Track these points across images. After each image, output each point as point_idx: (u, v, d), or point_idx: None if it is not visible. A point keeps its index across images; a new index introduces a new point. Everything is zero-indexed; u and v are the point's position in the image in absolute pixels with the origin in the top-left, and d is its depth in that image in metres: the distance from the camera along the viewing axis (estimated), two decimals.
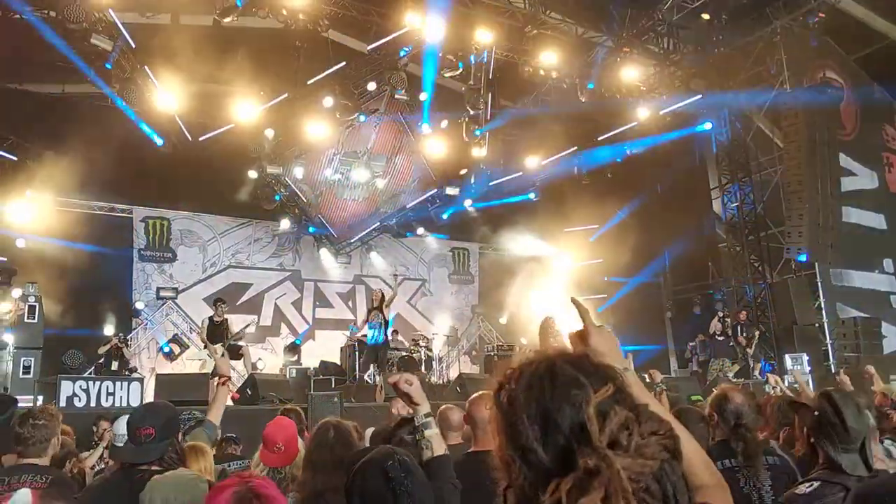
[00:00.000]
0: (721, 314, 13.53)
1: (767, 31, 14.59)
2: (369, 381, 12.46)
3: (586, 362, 1.04)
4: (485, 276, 18.68)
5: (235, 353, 11.59)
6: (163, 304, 15.06)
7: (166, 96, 12.53)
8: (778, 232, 15.39)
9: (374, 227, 17.26)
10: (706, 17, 14.23)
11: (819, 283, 14.45)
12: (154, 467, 2.78)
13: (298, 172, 15.24)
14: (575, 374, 1.00)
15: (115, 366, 11.78)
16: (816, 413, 2.50)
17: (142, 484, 2.55)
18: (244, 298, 16.00)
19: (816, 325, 14.33)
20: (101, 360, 11.83)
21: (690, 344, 14.92)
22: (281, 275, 16.93)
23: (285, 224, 15.93)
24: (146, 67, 12.35)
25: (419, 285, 18.53)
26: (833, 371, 12.17)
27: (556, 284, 16.99)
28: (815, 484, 2.34)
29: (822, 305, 14.41)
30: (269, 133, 13.82)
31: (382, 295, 12.06)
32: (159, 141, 13.26)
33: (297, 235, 16.63)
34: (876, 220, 15.55)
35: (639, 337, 15.95)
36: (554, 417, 0.96)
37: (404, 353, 13.52)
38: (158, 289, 15.17)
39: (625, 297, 16.98)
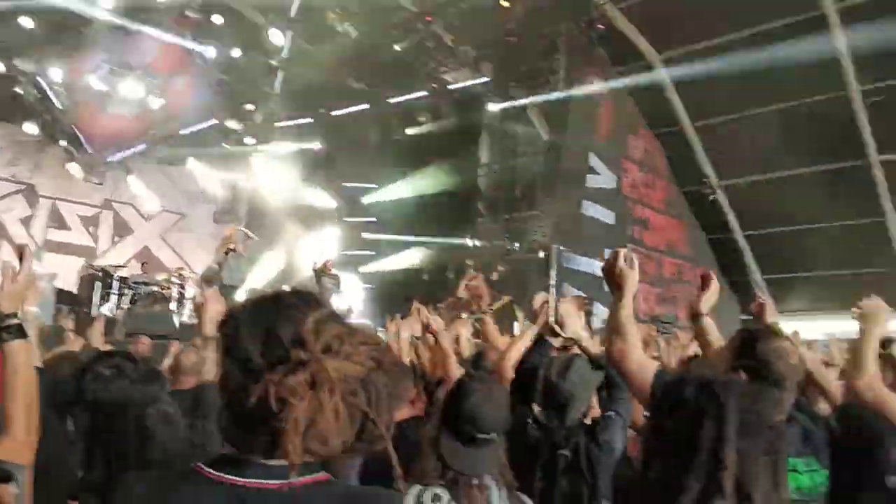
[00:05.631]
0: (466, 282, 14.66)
1: (555, 31, 15.79)
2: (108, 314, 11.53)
3: (307, 294, 1.22)
4: (256, 219, 17.50)
5: None
6: None
7: None
8: (529, 215, 17.19)
9: (138, 149, 15.75)
10: (506, 4, 14.79)
11: (554, 265, 16.50)
12: None
13: (56, 74, 13.35)
14: (296, 301, 1.18)
15: None
16: None
17: None
18: None
19: None
20: None
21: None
22: (12, 187, 14.89)
23: (30, 129, 13.89)
24: None
25: (177, 219, 17.39)
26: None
27: (327, 236, 17.15)
28: None
29: (553, 284, 16.52)
30: (27, 22, 11.87)
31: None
32: None
33: (41, 145, 14.60)
34: (608, 216, 18.04)
35: None
36: (276, 332, 1.12)
37: (155, 289, 12.50)
38: None
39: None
